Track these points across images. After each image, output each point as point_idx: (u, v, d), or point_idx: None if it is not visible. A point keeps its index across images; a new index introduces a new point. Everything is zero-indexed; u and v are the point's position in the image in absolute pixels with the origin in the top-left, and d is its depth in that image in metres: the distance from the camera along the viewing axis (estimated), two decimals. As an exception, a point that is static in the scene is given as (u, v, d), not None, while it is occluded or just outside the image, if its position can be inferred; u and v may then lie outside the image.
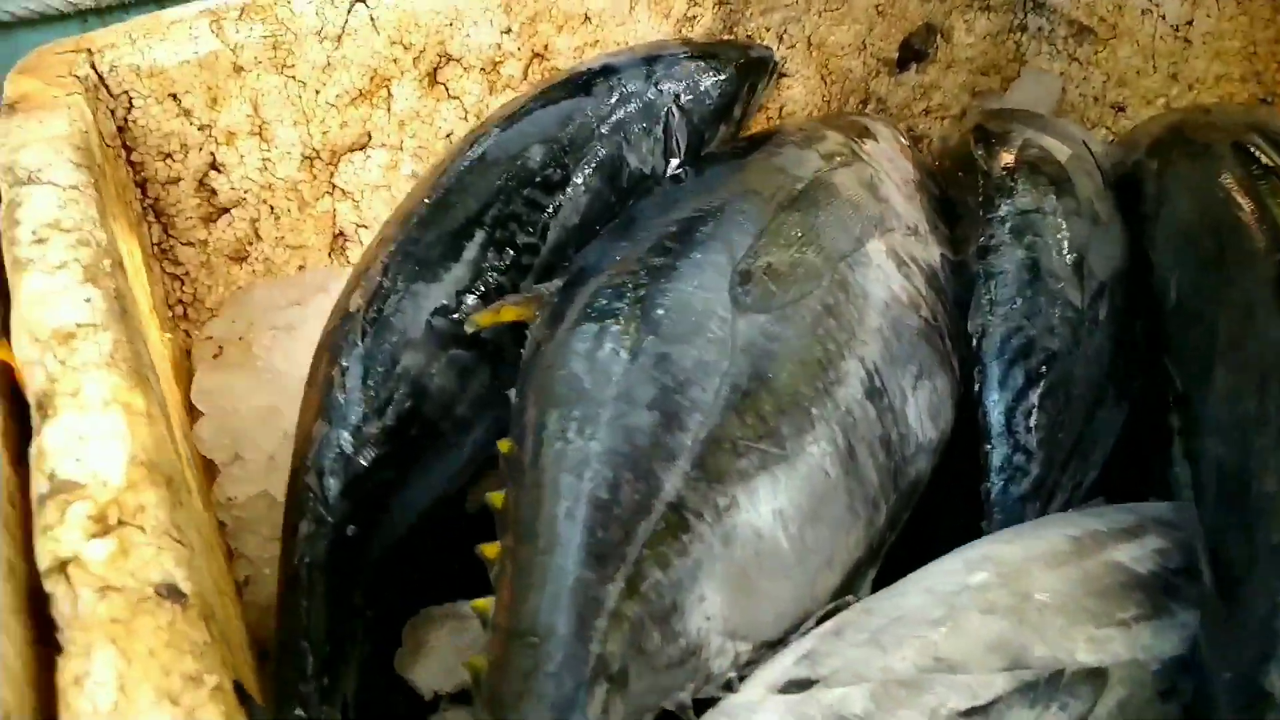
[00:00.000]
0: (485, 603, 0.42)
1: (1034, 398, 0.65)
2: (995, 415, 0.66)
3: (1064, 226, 0.73)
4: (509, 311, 0.57)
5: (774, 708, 0.42)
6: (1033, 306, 0.69)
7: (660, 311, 0.54)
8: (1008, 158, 0.79)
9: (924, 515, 0.62)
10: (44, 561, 0.33)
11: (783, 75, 0.93)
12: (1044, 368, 0.66)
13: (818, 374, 0.55)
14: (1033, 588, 0.48)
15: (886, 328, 0.62)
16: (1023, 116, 0.89)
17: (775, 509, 0.48)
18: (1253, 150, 0.67)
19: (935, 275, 0.72)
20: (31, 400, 0.41)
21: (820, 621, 0.48)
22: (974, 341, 0.68)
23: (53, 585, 0.33)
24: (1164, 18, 0.91)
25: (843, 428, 0.54)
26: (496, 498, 0.46)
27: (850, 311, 0.61)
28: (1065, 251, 0.71)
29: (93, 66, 0.67)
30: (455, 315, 0.60)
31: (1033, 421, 0.65)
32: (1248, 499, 0.48)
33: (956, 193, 0.81)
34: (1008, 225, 0.73)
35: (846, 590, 0.52)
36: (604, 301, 0.55)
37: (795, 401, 0.53)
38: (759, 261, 0.60)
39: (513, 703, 0.38)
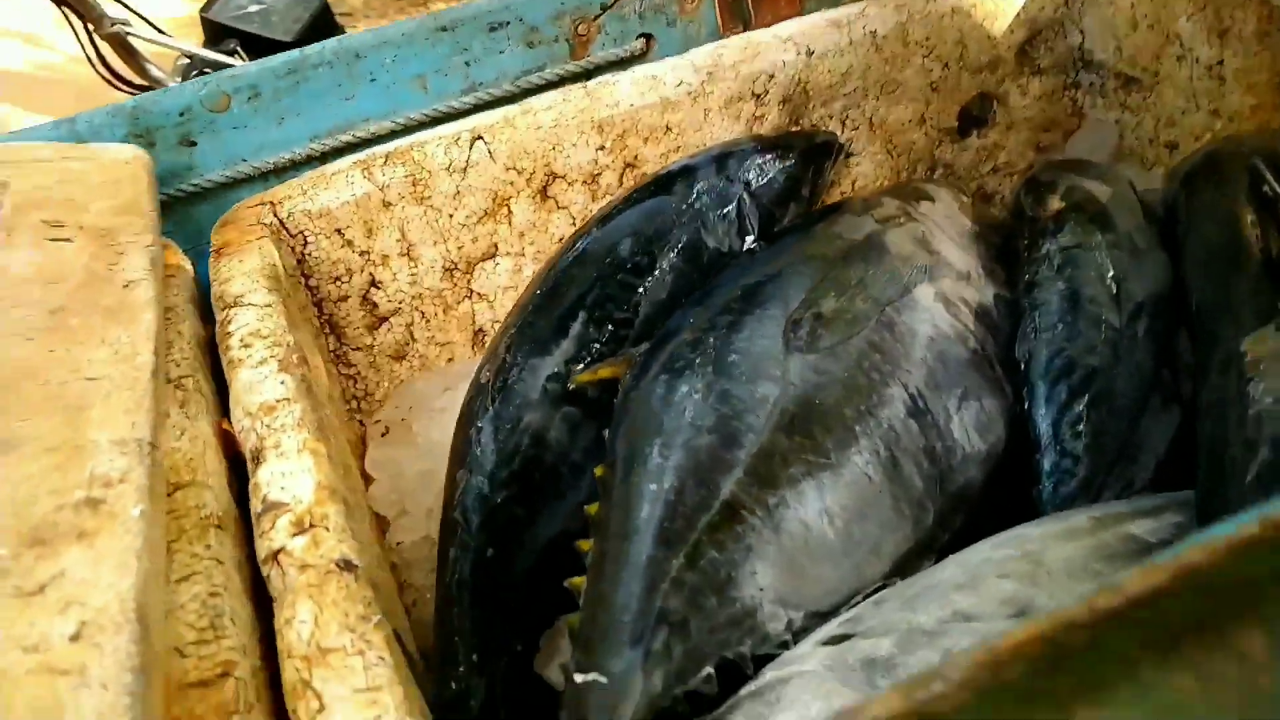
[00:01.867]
0: (579, 580, 0.54)
1: (1078, 408, 0.73)
2: (1043, 427, 0.74)
3: (1102, 258, 0.81)
4: (605, 370, 0.70)
5: (817, 656, 0.51)
6: (1073, 329, 0.77)
7: (724, 359, 0.66)
8: (1051, 203, 0.88)
9: (985, 519, 0.71)
10: (261, 554, 0.48)
11: (849, 155, 1.05)
12: (1086, 382, 0.74)
13: (861, 398, 0.65)
14: (1047, 556, 0.56)
15: (931, 358, 0.72)
16: (1073, 166, 0.98)
17: (821, 507, 0.58)
18: (1262, 176, 0.74)
19: (988, 312, 0.81)
20: (247, 455, 0.56)
21: (867, 597, 0.58)
22: (1021, 366, 0.77)
23: (268, 569, 0.47)
24: (1198, 61, 0.98)
25: (885, 442, 0.64)
26: (592, 508, 0.59)
27: (895, 347, 0.71)
28: (1103, 279, 0.79)
29: (275, 214, 0.85)
30: (566, 380, 0.74)
31: (1078, 429, 0.73)
32: (1222, 477, 0.55)
33: (1014, 241, 0.90)
34: (1050, 262, 0.82)
35: (900, 575, 0.61)
36: (679, 355, 0.67)
37: (839, 420, 0.63)
38: (810, 311, 0.71)
39: (597, 639, 0.49)
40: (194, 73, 1.71)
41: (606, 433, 0.65)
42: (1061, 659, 0.24)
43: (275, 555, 0.47)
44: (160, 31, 1.85)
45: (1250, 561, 0.26)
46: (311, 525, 0.48)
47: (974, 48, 1.03)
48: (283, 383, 0.59)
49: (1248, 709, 0.25)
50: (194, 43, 1.82)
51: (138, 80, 1.84)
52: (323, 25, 2.00)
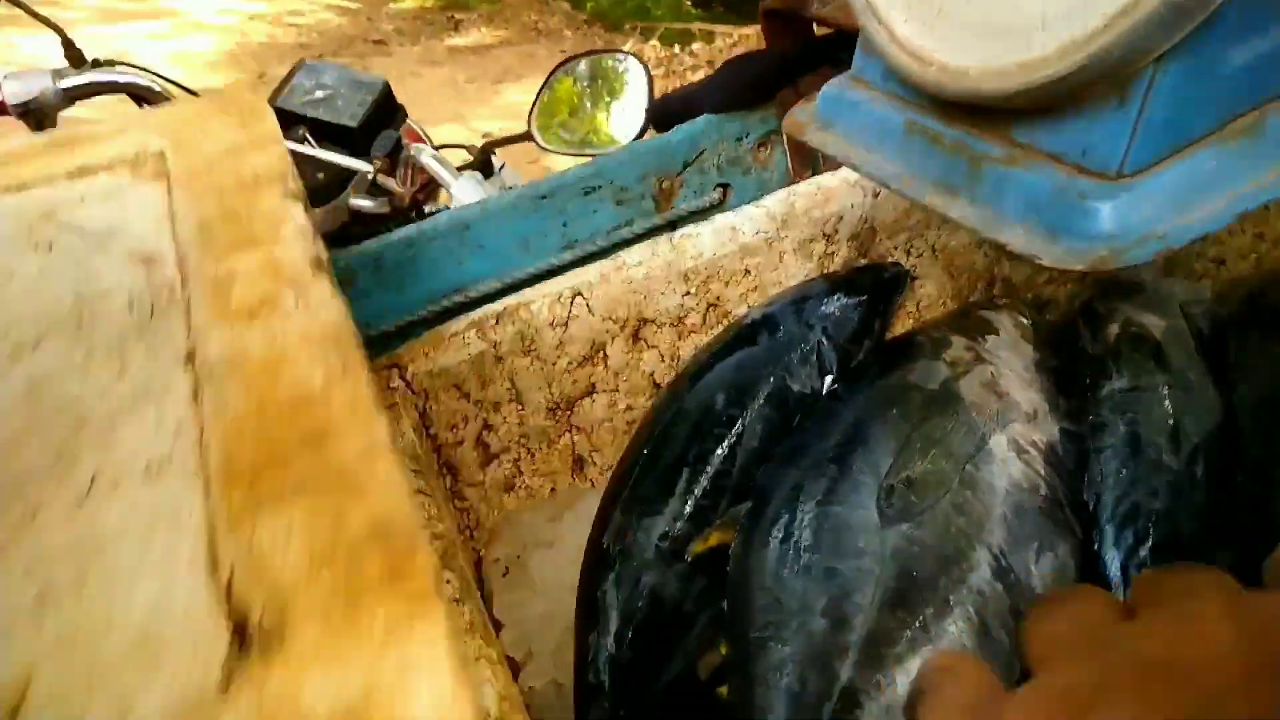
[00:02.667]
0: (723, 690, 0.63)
1: (1143, 553, 0.81)
2: (1113, 571, 0.81)
3: (1159, 399, 0.88)
4: (714, 538, 0.78)
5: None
6: (1136, 474, 0.84)
7: (824, 531, 0.74)
8: (1108, 338, 0.96)
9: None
10: None
11: (915, 279, 1.12)
12: (1150, 526, 0.81)
13: (953, 566, 0.73)
14: None
15: (1010, 514, 0.79)
16: (1125, 288, 1.05)
17: (923, 680, 0.66)
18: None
19: (1054, 451, 0.88)
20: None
21: (968, 762, 0.65)
22: (1091, 507, 0.84)
23: None
24: (1243, 187, 1.04)
25: (975, 607, 0.71)
26: (723, 691, 0.67)
27: (977, 506, 0.79)
28: (1161, 421, 0.86)
29: (401, 376, 0.94)
30: (675, 537, 0.82)
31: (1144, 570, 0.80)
32: None
33: (1074, 366, 0.97)
34: (1110, 404, 0.89)
35: (992, 733, 0.69)
36: (781, 522, 0.75)
37: (935, 593, 0.71)
38: (899, 476, 0.79)
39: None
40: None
41: (725, 604, 0.73)
42: None
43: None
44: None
45: None
46: (501, 738, 0.57)
47: (1027, 175, 1.10)
48: (449, 580, 0.68)
49: None
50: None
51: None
52: (385, 107, 2.09)
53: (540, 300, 0.98)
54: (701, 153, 1.04)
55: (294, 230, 0.63)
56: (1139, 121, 0.53)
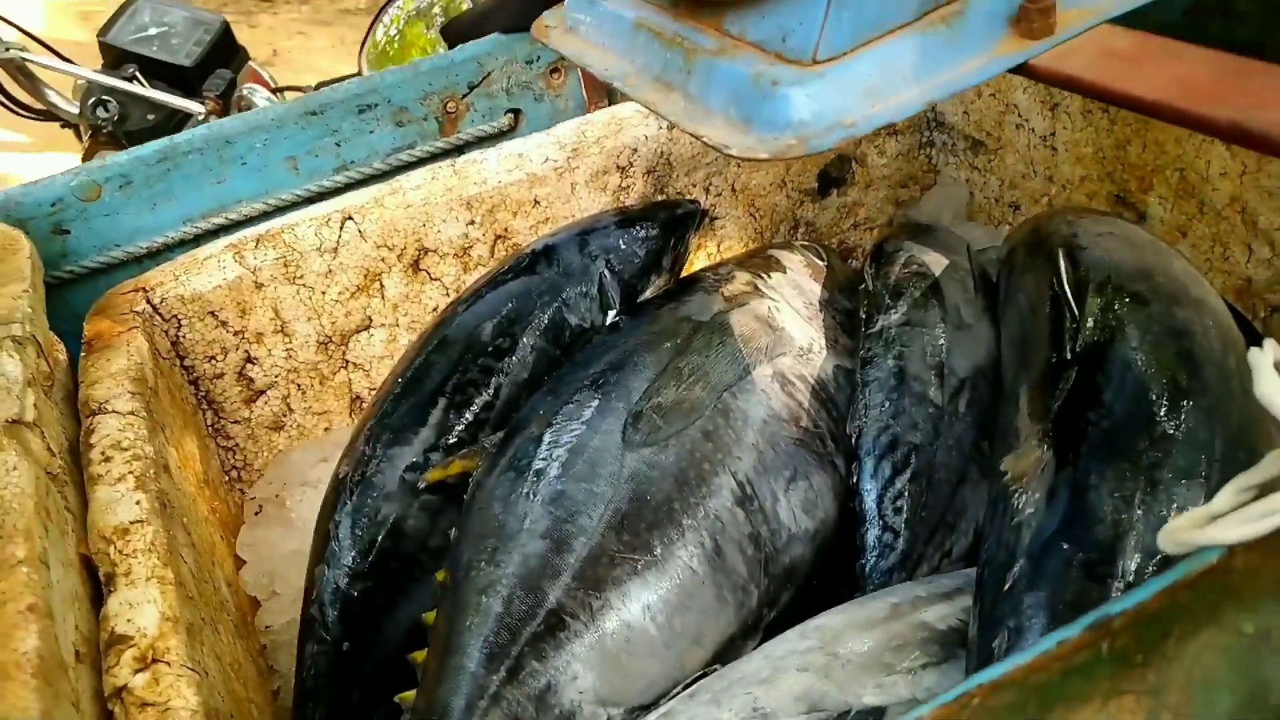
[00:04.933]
0: (409, 694, 0.59)
1: (899, 485, 0.79)
2: (868, 503, 0.80)
3: (929, 335, 0.87)
4: (456, 465, 0.75)
5: (630, 754, 0.57)
6: (898, 408, 0.83)
7: (564, 456, 0.71)
8: (888, 276, 0.94)
9: (813, 592, 0.77)
10: (108, 690, 0.51)
11: (714, 219, 1.10)
12: (908, 459, 0.80)
13: (692, 491, 0.71)
14: (843, 649, 0.62)
15: (763, 443, 0.77)
16: (918, 231, 1.04)
17: (644, 604, 0.64)
18: (1059, 259, 0.80)
19: (824, 387, 0.87)
20: (102, 579, 0.59)
21: (687, 687, 0.63)
22: (852, 440, 0.83)
23: (113, 706, 0.51)
24: (1034, 130, 1.05)
25: (711, 532, 0.69)
26: (429, 616, 0.63)
27: (728, 434, 0.76)
28: (929, 357, 0.86)
29: (148, 301, 0.88)
30: (425, 470, 0.78)
31: (899, 504, 0.79)
32: (989, 580, 0.62)
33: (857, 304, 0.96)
34: (882, 339, 0.88)
35: (722, 659, 0.67)
36: (523, 452, 0.72)
37: (668, 516, 0.68)
38: (651, 402, 0.77)
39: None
40: (92, 99, 1.71)
41: (453, 531, 0.69)
42: None
43: (119, 692, 0.51)
44: (60, 56, 1.84)
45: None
46: (154, 660, 0.52)
47: (829, 116, 1.09)
48: (138, 502, 0.63)
49: None
50: (93, 67, 1.80)
51: (37, 105, 1.83)
52: (224, 48, 1.99)
53: (306, 224, 0.92)
54: (489, 74, 1.00)
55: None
56: (831, 4, 0.50)
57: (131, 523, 0.61)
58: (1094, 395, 0.63)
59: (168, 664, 0.52)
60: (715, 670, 0.64)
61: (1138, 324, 0.66)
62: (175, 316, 0.90)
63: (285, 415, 0.99)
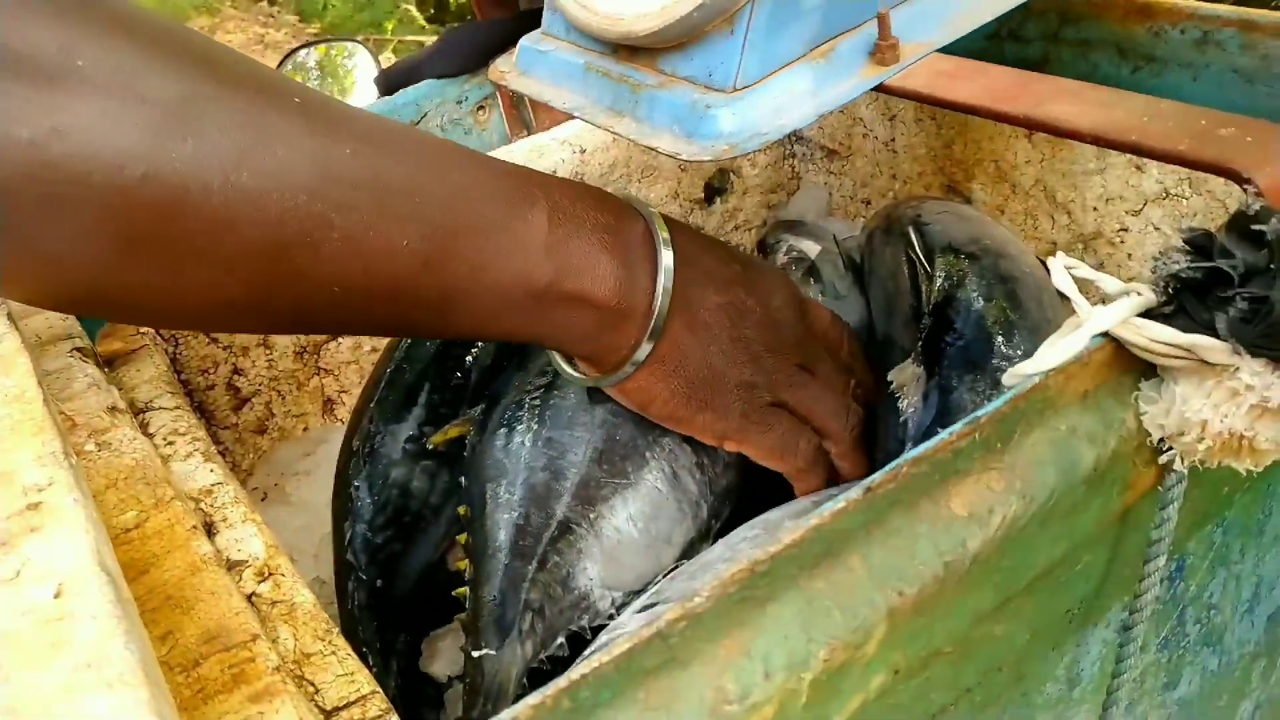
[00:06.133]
0: (464, 590, 0.75)
1: (804, 421, 1.00)
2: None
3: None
4: (453, 430, 0.91)
5: (634, 621, 0.74)
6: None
7: (545, 413, 0.88)
8: (774, 262, 1.16)
9: (745, 506, 0.96)
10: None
11: (622, 227, 1.29)
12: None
13: (648, 432, 0.89)
14: (781, 531, 0.81)
15: (696, 395, 0.96)
16: (792, 226, 1.26)
17: (627, 515, 0.81)
18: (913, 238, 1.02)
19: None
20: (201, 529, 0.73)
21: (665, 575, 0.81)
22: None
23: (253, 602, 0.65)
24: (877, 138, 1.28)
25: (668, 461, 0.87)
26: (463, 538, 0.79)
27: (669, 389, 0.95)
28: (815, 321, 1.06)
29: (150, 323, 1.00)
30: (420, 440, 0.94)
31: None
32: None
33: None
34: (776, 310, 1.08)
35: (688, 557, 0.85)
36: (510, 413, 0.89)
37: (635, 450, 0.86)
38: (605, 369, 0.94)
39: (483, 628, 0.70)
40: None
41: (462, 479, 0.85)
42: (757, 577, 0.48)
43: (249, 597, 0.65)
44: None
45: (847, 520, 0.51)
46: (270, 574, 0.67)
47: (710, 135, 1.30)
48: (211, 470, 0.77)
49: (852, 601, 0.50)
50: None
51: None
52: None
53: (282, 249, 1.06)
54: (425, 114, 1.16)
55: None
56: (744, 47, 0.70)
57: (213, 485, 0.75)
58: (948, 326, 0.84)
59: (283, 574, 0.67)
60: (681, 563, 0.83)
61: (975, 273, 0.88)
62: (173, 335, 1.02)
63: (268, 419, 1.12)
